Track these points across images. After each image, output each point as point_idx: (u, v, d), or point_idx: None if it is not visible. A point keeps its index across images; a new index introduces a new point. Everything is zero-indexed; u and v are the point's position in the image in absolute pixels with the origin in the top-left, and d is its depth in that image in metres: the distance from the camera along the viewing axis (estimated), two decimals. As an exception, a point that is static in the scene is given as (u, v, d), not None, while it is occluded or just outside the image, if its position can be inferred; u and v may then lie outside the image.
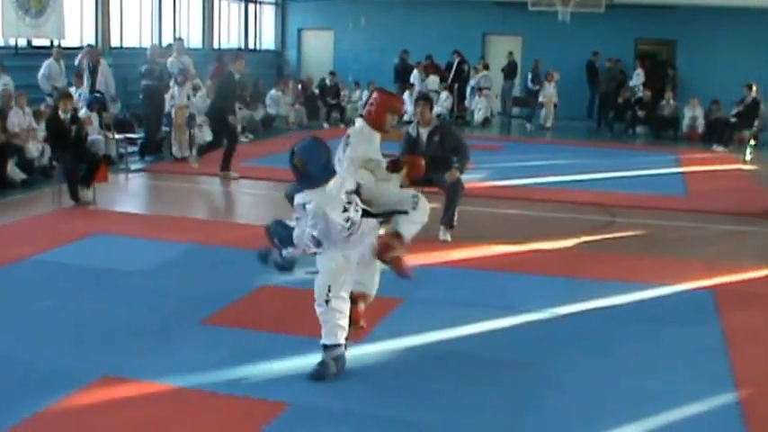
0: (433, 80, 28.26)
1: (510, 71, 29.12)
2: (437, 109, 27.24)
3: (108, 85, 18.76)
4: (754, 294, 9.57)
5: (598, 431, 5.96)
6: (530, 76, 28.71)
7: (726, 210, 14.42)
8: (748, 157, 21.31)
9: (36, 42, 19.81)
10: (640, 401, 6.44)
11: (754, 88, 23.84)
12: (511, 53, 29.46)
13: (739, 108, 24.13)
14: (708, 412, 6.37)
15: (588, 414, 6.23)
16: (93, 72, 18.35)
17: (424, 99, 12.27)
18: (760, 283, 10.06)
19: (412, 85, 26.98)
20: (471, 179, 14.70)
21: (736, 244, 12.38)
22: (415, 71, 28.12)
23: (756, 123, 23.46)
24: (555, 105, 27.81)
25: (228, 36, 29.37)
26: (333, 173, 6.65)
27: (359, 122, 7.82)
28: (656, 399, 6.49)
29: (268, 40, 32.52)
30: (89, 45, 19.83)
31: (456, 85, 28.63)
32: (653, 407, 6.34)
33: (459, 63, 28.88)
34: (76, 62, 18.66)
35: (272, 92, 25.19)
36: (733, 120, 24.22)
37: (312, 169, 6.55)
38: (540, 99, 27.88)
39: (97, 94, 17.62)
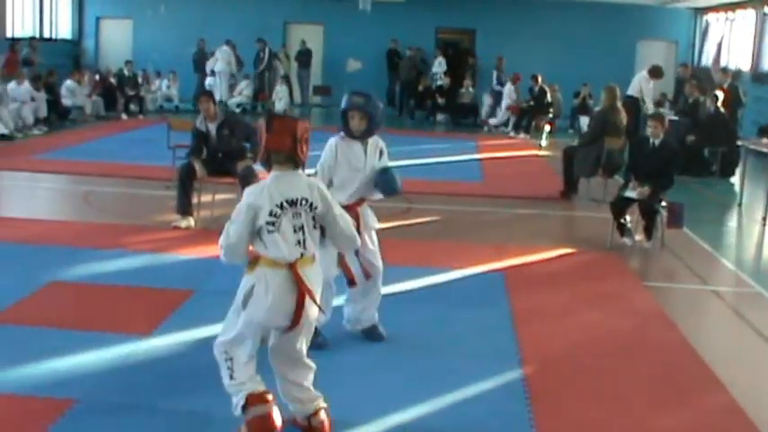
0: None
1: (305, 60, 29.21)
2: (237, 98, 27.20)
3: None
4: (541, 275, 9.93)
5: (390, 413, 6.01)
6: (494, 74, 28.05)
7: (520, 194, 14.88)
8: (544, 143, 22.01)
9: None
10: (429, 382, 6.56)
11: (540, 78, 24.59)
12: (304, 41, 29.56)
13: (530, 98, 24.85)
14: (494, 389, 6.55)
15: (379, 396, 6.29)
16: None
17: (206, 94, 12.21)
18: (547, 263, 10.46)
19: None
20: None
21: (527, 227, 12.75)
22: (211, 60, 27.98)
23: (552, 110, 24.24)
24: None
25: (23, 24, 28.43)
26: None
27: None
28: (444, 379, 6.62)
29: (64, 29, 31.63)
30: None
31: (267, 75, 28.58)
32: (441, 387, 6.46)
33: (264, 51, 28.81)
34: None
35: (68, 82, 24.52)
36: (527, 108, 24.90)
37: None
38: (506, 102, 26.24)
39: None
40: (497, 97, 26.22)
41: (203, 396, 6.14)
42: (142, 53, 29.86)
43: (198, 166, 11.46)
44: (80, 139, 20.43)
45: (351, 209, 6.77)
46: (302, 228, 5.25)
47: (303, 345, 5.48)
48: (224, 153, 11.58)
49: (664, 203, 11.19)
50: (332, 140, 7.07)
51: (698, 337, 7.94)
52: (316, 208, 5.27)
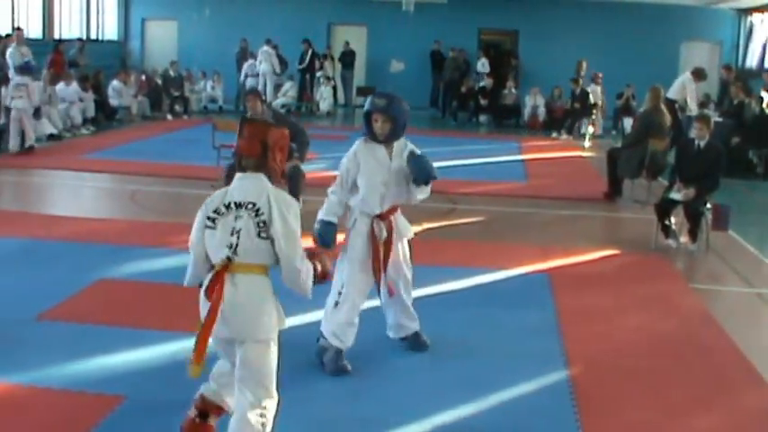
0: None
1: (349, 60, 29.28)
2: (281, 99, 27.30)
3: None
4: (586, 276, 9.91)
5: (434, 414, 6.04)
6: (576, 79, 25.70)
7: (563, 195, 14.86)
8: (587, 144, 21.95)
9: None
10: (475, 383, 6.59)
11: (580, 81, 24.49)
12: (347, 42, 29.63)
13: (574, 100, 24.76)
14: (540, 390, 6.57)
15: (424, 398, 6.32)
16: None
17: (253, 93, 12.26)
18: (591, 265, 10.44)
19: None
20: (317, 169, 14.76)
21: (571, 228, 12.75)
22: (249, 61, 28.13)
23: (594, 112, 24.16)
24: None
25: (70, 26, 28.74)
26: None
27: None
28: (489, 379, 6.66)
29: (111, 31, 31.94)
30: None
31: (307, 75, 28.73)
32: (487, 387, 6.49)
33: (309, 52, 28.94)
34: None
35: (114, 83, 24.76)
36: (571, 109, 24.82)
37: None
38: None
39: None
40: (583, 100, 25.27)
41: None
42: (187, 54, 30.04)
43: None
44: (126, 138, 20.62)
45: (384, 217, 6.81)
46: (239, 232, 4.88)
47: (246, 368, 5.01)
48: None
49: (709, 205, 11.14)
50: (355, 144, 6.91)
51: (743, 340, 7.90)
52: (262, 214, 4.88)
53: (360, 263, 6.79)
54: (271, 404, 5.03)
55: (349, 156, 6.86)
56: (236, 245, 4.88)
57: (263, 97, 13.21)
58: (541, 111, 26.80)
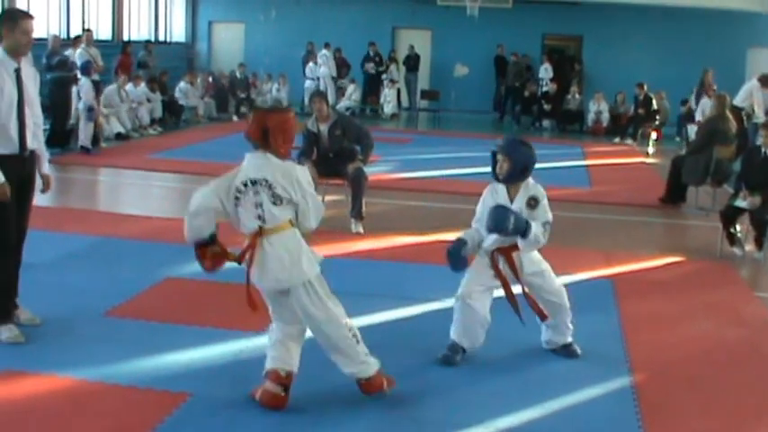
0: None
1: (413, 64, 29.35)
2: (345, 102, 27.43)
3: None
4: (651, 282, 9.84)
5: (495, 417, 6.05)
6: (695, 91, 23.53)
7: (627, 201, 14.80)
8: (651, 150, 21.81)
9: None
10: (539, 386, 6.60)
11: (645, 87, 24.29)
12: (412, 46, 29.68)
13: (637, 105, 24.60)
14: (604, 395, 6.55)
15: (489, 400, 6.33)
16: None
17: (320, 95, 12.31)
18: (656, 271, 10.36)
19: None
20: (381, 171, 14.84)
21: (634, 234, 12.72)
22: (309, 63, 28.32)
23: (659, 118, 23.99)
24: None
25: (138, 28, 29.11)
26: None
27: None
28: (553, 384, 6.65)
29: (178, 33, 32.31)
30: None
31: (376, 79, 28.92)
32: (551, 392, 6.49)
33: (374, 55, 29.11)
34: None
35: (182, 84, 25.07)
36: (635, 115, 24.67)
37: None
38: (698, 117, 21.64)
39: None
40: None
41: (313, 395, 6.26)
42: (253, 56, 30.28)
43: (309, 169, 11.59)
44: (193, 139, 20.85)
45: (504, 251, 6.99)
46: (261, 204, 5.85)
47: (306, 308, 5.97)
48: (335, 154, 11.70)
49: (775, 214, 11.04)
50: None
51: (810, 350, 7.84)
52: (275, 188, 5.81)
53: (477, 274, 7.09)
54: (344, 317, 6.06)
55: (482, 197, 7.17)
56: (263, 215, 5.86)
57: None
58: (605, 116, 26.67)
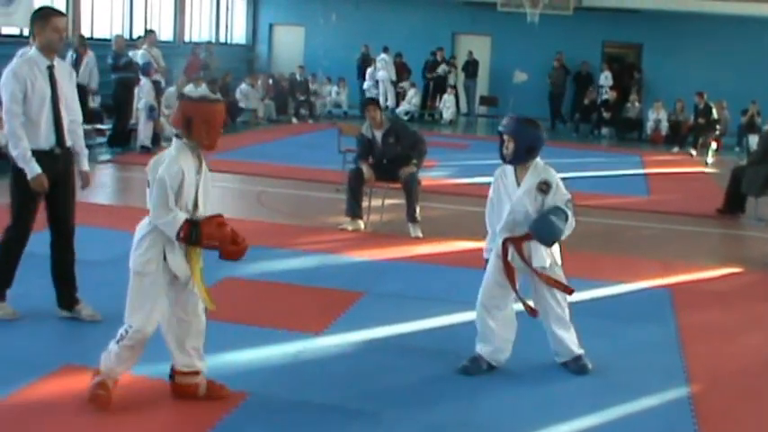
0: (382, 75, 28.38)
1: (472, 70, 29.35)
2: (405, 106, 27.48)
3: (91, 77, 18.85)
4: (709, 293, 9.79)
5: (553, 424, 6.06)
6: None
7: (685, 211, 14.69)
8: (710, 159, 21.64)
9: (5, 31, 19.74)
10: (595, 395, 6.58)
11: (705, 96, 24.09)
12: (471, 52, 29.66)
13: (697, 115, 24.40)
14: (661, 405, 6.51)
15: (543, 408, 6.33)
16: (77, 63, 18.41)
17: (373, 103, 12.36)
18: (715, 282, 10.30)
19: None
20: (438, 176, 14.85)
21: (693, 244, 12.65)
22: (370, 68, 28.39)
23: (718, 127, 23.78)
24: None
25: (200, 29, 29.37)
26: None
27: None
28: (610, 392, 6.64)
29: (239, 35, 32.54)
30: (79, 35, 19.99)
31: (431, 84, 28.94)
32: (607, 400, 6.48)
33: (434, 61, 29.18)
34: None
35: (243, 86, 25.28)
36: (695, 124, 24.48)
37: None
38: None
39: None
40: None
41: (373, 396, 6.31)
42: (313, 59, 30.38)
43: (366, 170, 11.69)
44: (253, 140, 21.02)
45: (515, 242, 6.80)
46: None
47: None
48: (389, 160, 11.76)
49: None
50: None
51: None
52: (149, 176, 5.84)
53: (493, 276, 6.90)
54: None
55: (491, 189, 7.02)
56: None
57: (384, 104, 13.32)
58: (664, 125, 26.50)
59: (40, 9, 7.62)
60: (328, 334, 7.53)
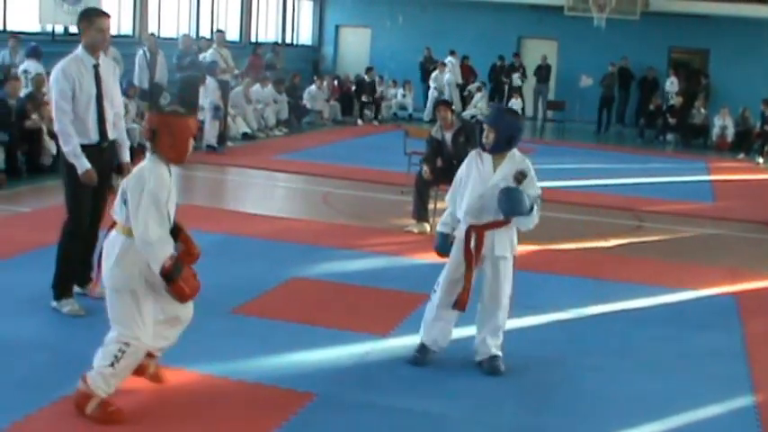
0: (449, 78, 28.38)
1: (544, 75, 29.25)
2: (471, 110, 27.47)
3: (161, 75, 19.13)
4: (776, 302, 9.70)
5: (617, 429, 6.08)
6: None
7: (751, 218, 14.55)
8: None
9: (73, 29, 19.99)
10: (660, 402, 6.58)
11: None
12: (545, 56, 29.52)
13: (764, 122, 24.13)
14: (725, 414, 6.50)
15: (608, 414, 6.35)
16: (152, 62, 18.70)
17: (444, 104, 12.41)
18: (782, 291, 10.20)
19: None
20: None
21: (759, 251, 12.55)
22: (436, 71, 28.39)
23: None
24: None
25: (266, 30, 29.58)
26: None
27: None
28: (674, 400, 6.63)
29: (305, 36, 32.71)
30: (151, 34, 20.29)
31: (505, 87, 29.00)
32: (672, 408, 6.47)
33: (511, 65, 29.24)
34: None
35: (312, 87, 25.47)
36: (762, 131, 24.20)
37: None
38: None
39: (134, 82, 18.00)
40: None
41: (438, 398, 6.36)
42: (379, 61, 30.38)
43: (425, 170, 11.73)
44: (318, 141, 21.14)
45: (478, 230, 6.76)
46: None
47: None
48: (459, 161, 11.75)
49: None
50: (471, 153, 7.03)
51: None
52: (125, 190, 5.63)
53: (452, 267, 6.88)
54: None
55: (462, 166, 7.02)
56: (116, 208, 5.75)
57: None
58: (730, 131, 26.20)
59: (87, 10, 7.92)
60: (395, 336, 7.58)
